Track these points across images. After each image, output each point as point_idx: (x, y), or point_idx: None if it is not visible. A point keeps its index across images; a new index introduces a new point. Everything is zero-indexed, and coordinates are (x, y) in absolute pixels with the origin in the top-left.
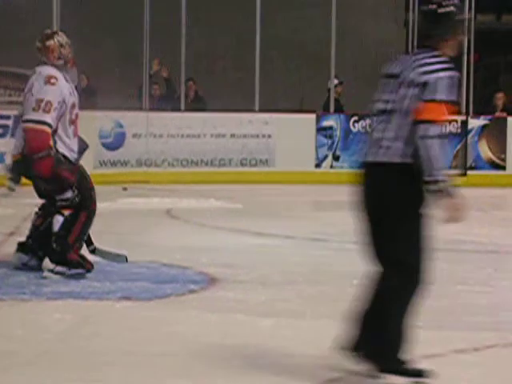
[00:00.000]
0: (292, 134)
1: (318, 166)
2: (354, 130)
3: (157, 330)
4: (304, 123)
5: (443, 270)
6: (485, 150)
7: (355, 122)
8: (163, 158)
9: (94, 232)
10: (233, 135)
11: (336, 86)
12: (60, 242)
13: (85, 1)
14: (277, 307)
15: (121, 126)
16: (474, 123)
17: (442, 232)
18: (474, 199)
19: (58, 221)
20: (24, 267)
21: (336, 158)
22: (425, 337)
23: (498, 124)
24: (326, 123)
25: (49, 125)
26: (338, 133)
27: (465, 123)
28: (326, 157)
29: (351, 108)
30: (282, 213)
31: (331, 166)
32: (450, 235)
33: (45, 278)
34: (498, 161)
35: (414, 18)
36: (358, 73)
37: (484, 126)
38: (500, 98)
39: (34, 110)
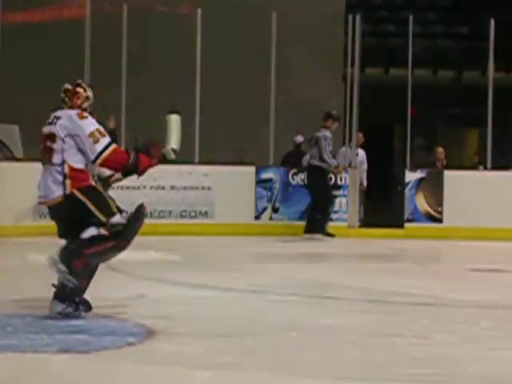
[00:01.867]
0: (231, 186)
1: (257, 218)
2: (293, 182)
3: None
4: (243, 175)
5: (380, 322)
6: (422, 203)
7: (294, 174)
8: None
9: (32, 285)
10: (172, 187)
11: (301, 143)
12: (76, 245)
13: (22, 48)
14: (215, 359)
15: None
16: (412, 176)
17: (379, 284)
18: (411, 252)
19: (90, 232)
20: (58, 315)
21: (275, 210)
22: None
23: (434, 177)
24: (265, 175)
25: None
26: (277, 185)
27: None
28: (265, 209)
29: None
30: (221, 265)
31: (270, 218)
32: (387, 287)
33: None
34: (434, 213)
35: (353, 72)
36: (296, 126)
37: (421, 179)
38: (440, 153)
39: (96, 143)
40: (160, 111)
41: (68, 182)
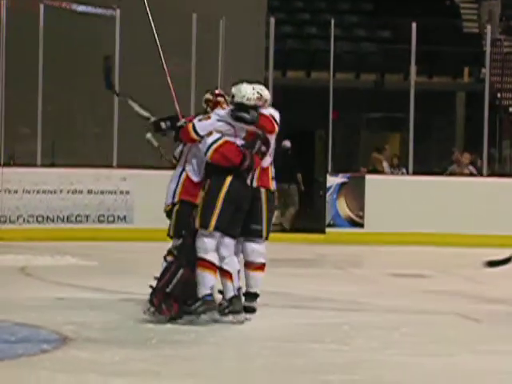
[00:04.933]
0: (151, 190)
1: None
2: None
3: None
4: (163, 179)
5: (299, 328)
6: (343, 208)
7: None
8: (18, 214)
9: None
10: (90, 191)
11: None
12: (155, 285)
13: None
14: (131, 367)
15: None
16: (333, 181)
17: (299, 289)
18: (333, 257)
19: (162, 266)
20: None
21: None
22: None
23: (356, 182)
24: None
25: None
26: None
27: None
28: None
29: None
30: (140, 270)
31: None
32: (307, 292)
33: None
34: (356, 218)
35: (272, 75)
36: None
37: (342, 184)
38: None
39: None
40: (79, 112)
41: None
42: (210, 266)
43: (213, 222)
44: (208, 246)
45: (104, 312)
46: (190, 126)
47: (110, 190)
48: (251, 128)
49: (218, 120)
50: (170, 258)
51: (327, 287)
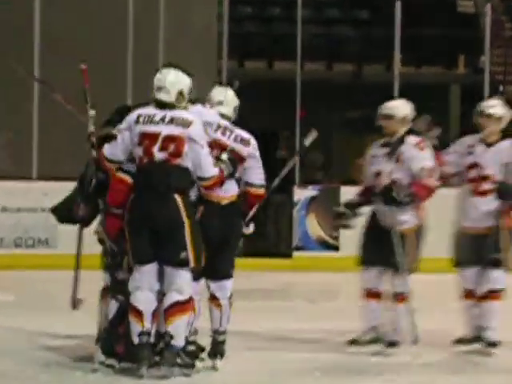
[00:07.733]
0: None
1: None
2: None
3: None
4: None
5: (261, 375)
6: (314, 227)
7: None
8: None
9: None
10: (4, 209)
11: None
12: (110, 331)
13: None
14: None
15: None
16: (301, 194)
17: (261, 327)
18: (301, 287)
19: (112, 307)
20: None
21: None
22: None
23: (329, 194)
24: None
25: None
26: None
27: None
28: None
29: None
30: (66, 305)
31: None
32: (271, 331)
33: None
34: (329, 239)
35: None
36: None
37: (312, 198)
38: None
39: None
40: None
41: None
42: (135, 312)
43: (130, 257)
44: (133, 286)
45: (21, 358)
46: None
47: (29, 207)
48: (151, 129)
49: None
50: (120, 297)
51: (295, 324)
